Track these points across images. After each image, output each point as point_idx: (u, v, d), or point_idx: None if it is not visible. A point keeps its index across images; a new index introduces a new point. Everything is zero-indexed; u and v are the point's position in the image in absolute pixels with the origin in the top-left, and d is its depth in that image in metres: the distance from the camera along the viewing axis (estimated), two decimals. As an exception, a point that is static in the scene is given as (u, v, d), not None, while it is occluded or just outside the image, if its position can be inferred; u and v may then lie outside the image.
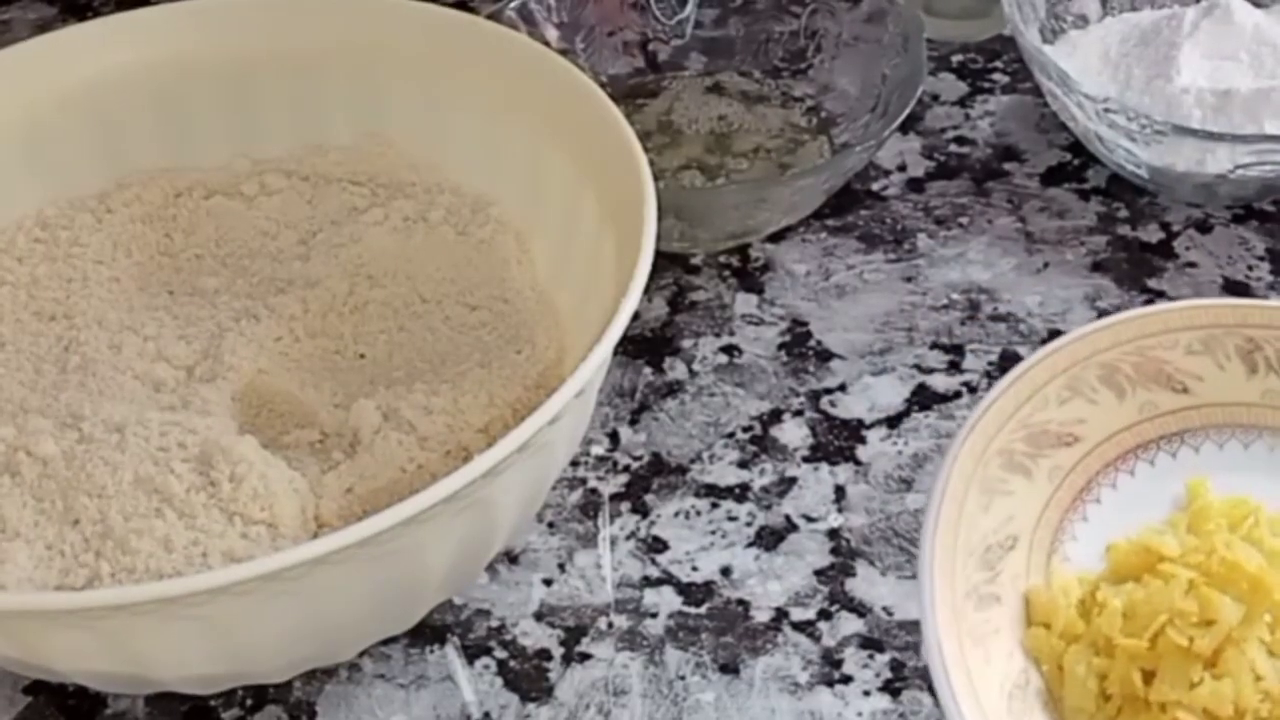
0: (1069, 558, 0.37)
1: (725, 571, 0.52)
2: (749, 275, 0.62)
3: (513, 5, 0.67)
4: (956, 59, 0.73)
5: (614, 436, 0.56)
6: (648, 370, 0.59)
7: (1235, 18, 0.64)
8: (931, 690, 0.38)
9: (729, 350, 0.59)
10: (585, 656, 0.49)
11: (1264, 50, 0.64)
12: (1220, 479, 0.38)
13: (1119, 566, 0.37)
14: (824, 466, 0.55)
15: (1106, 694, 0.35)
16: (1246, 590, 0.34)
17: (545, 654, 0.50)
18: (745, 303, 0.61)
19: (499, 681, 0.49)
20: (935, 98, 0.71)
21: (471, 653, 0.50)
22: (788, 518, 0.53)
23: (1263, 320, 0.40)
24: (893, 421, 0.56)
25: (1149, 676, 0.34)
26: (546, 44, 0.65)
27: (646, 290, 0.45)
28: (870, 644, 0.49)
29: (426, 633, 0.50)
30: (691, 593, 0.51)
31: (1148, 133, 0.60)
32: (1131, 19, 0.68)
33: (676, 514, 0.54)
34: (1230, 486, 0.38)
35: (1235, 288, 0.61)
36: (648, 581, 0.51)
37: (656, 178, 0.49)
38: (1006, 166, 0.67)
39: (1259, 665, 0.33)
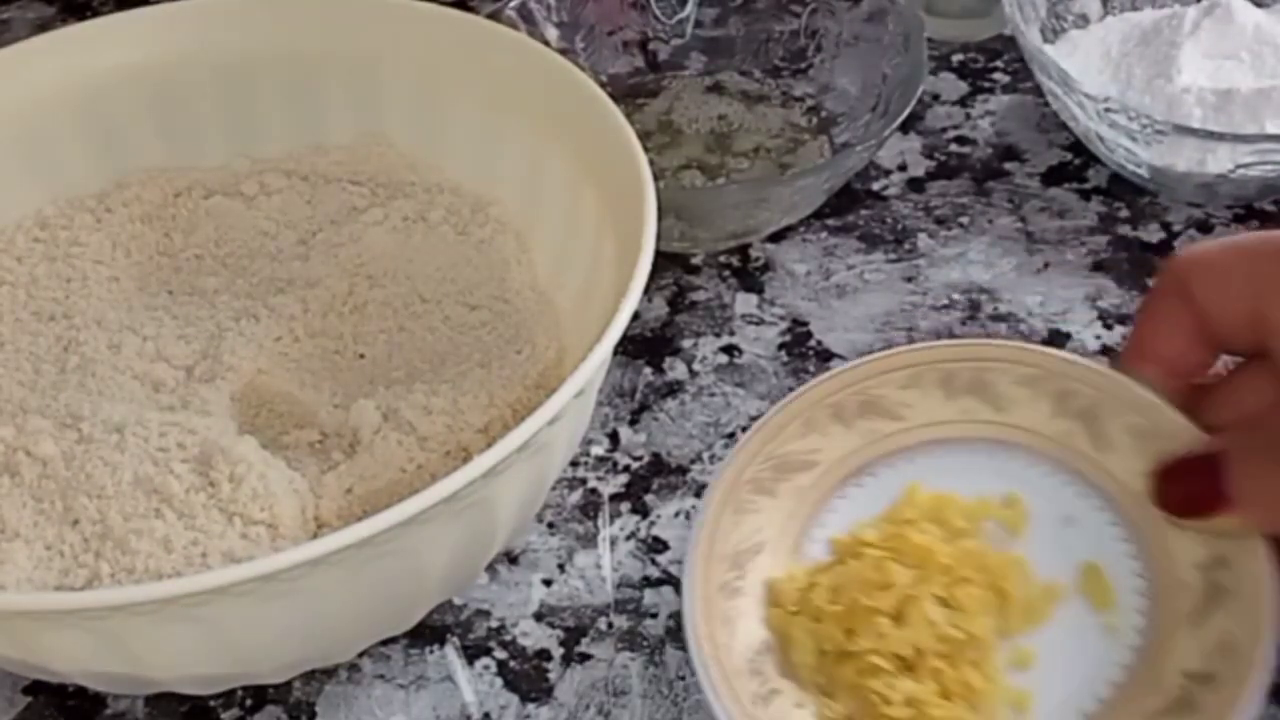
0: (807, 555, 0.47)
1: (725, 572, 0.52)
2: (749, 275, 0.62)
3: (513, 5, 0.66)
4: (957, 58, 0.73)
5: (614, 436, 0.56)
6: (648, 370, 0.59)
7: (1236, 17, 0.64)
8: None
9: (729, 350, 0.59)
10: (585, 657, 0.49)
11: (1265, 50, 0.64)
12: (930, 481, 0.48)
13: (838, 554, 0.47)
14: (824, 466, 0.55)
15: (823, 650, 0.45)
16: (918, 559, 0.45)
17: (545, 654, 0.50)
18: (745, 303, 0.61)
19: (499, 682, 0.49)
20: (936, 97, 0.71)
21: (471, 653, 0.50)
22: (788, 518, 0.53)
23: (952, 355, 0.49)
24: (893, 421, 0.56)
25: (851, 634, 0.44)
26: (546, 43, 0.65)
27: (646, 290, 0.45)
28: (870, 644, 0.49)
29: (426, 633, 0.50)
30: (692, 593, 0.51)
31: (1148, 132, 0.60)
32: (1132, 18, 0.68)
33: (676, 514, 0.53)
34: (938, 486, 0.48)
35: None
36: (648, 581, 0.51)
37: (656, 178, 0.49)
38: (1007, 166, 0.67)
39: (932, 615, 0.44)
